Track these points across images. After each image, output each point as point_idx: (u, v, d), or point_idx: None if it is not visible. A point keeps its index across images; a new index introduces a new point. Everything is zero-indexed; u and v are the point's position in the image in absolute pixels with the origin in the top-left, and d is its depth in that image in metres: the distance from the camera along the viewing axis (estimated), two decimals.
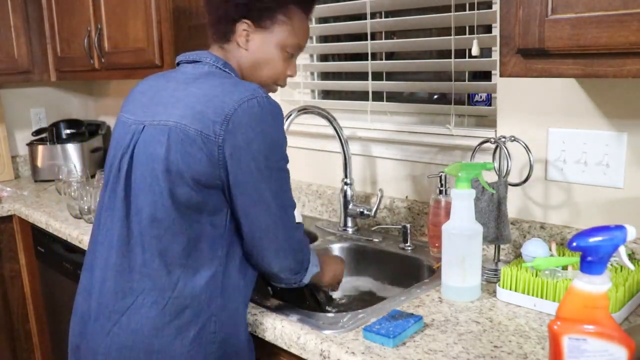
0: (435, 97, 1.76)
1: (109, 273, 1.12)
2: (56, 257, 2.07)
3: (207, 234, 1.09)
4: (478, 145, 1.35)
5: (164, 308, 1.07)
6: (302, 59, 2.02)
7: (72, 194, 2.04)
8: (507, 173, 1.31)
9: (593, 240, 0.79)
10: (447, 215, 1.27)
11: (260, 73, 1.22)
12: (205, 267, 1.09)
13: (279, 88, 1.29)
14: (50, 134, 2.67)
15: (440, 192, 1.48)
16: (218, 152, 1.04)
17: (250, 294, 1.20)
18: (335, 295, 1.54)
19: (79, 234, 1.84)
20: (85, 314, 1.16)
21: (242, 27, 1.17)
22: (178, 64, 1.22)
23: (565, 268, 1.17)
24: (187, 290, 1.08)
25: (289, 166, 1.17)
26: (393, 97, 1.81)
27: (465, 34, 1.56)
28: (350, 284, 1.61)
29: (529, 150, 1.29)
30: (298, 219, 1.21)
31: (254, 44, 1.19)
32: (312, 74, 2.05)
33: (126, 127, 1.16)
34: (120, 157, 1.14)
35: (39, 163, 2.67)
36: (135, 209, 1.10)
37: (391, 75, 1.80)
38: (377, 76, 1.79)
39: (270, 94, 1.14)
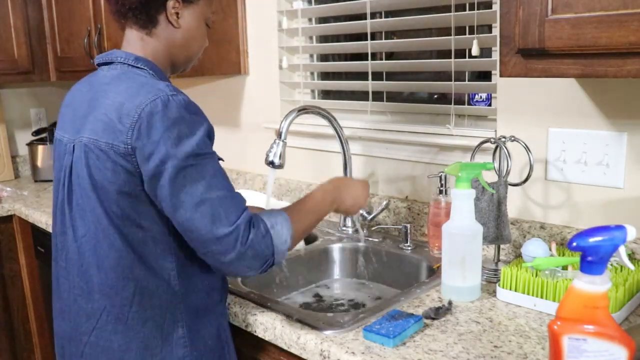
0: (435, 97, 1.76)
1: (74, 295, 1.13)
2: None
3: (151, 242, 1.07)
4: (478, 145, 1.35)
5: (126, 322, 1.07)
6: (302, 59, 2.02)
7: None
8: (507, 173, 1.31)
9: (593, 240, 0.79)
10: (447, 215, 1.27)
11: (192, 48, 1.19)
12: (158, 276, 1.08)
13: None
14: (50, 134, 2.67)
15: (440, 192, 1.48)
16: (132, 162, 1.01)
17: (219, 287, 1.18)
18: (336, 295, 1.54)
19: None
20: (63, 335, 1.18)
21: (172, 5, 1.12)
22: (98, 65, 1.19)
23: (565, 268, 1.17)
24: (145, 301, 1.07)
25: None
26: (393, 97, 1.81)
27: (465, 34, 1.56)
28: (350, 284, 1.61)
29: (529, 150, 1.29)
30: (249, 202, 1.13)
31: (184, 20, 1.14)
32: (312, 74, 2.05)
33: (62, 146, 1.15)
34: (63, 180, 1.13)
35: (39, 163, 2.68)
36: (82, 231, 1.09)
37: (391, 75, 1.80)
38: (377, 76, 1.79)
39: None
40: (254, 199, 1.77)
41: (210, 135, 1.07)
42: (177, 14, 1.13)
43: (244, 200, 1.06)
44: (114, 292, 1.07)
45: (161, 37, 1.14)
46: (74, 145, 1.10)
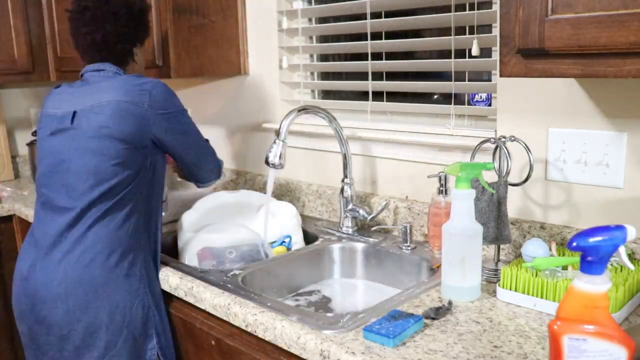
0: (435, 97, 1.76)
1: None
2: None
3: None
4: (478, 145, 1.35)
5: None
6: (302, 59, 2.02)
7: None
8: (507, 173, 1.31)
9: (593, 240, 0.79)
10: (447, 215, 1.27)
11: (141, 73, 1.62)
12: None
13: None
14: None
15: (440, 192, 1.48)
16: (148, 115, 1.43)
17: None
18: (336, 295, 1.54)
19: None
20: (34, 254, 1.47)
21: (135, 50, 1.60)
22: (82, 75, 1.57)
23: (565, 268, 1.17)
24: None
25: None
26: (393, 97, 1.81)
27: (465, 34, 1.56)
28: (350, 284, 1.61)
29: (529, 150, 1.29)
30: None
31: (139, 57, 1.63)
32: (312, 74, 2.05)
33: (55, 117, 1.49)
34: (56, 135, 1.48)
35: None
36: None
37: (391, 75, 1.80)
38: (377, 76, 1.79)
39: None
40: (253, 199, 1.77)
41: None
42: (136, 55, 1.61)
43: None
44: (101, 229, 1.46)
45: (129, 71, 1.59)
46: (74, 111, 1.46)
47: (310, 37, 2.03)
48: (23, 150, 2.85)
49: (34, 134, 2.77)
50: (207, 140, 1.62)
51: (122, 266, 1.39)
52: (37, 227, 1.48)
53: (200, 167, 1.61)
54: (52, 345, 1.41)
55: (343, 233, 1.71)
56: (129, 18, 1.54)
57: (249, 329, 1.20)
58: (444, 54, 1.66)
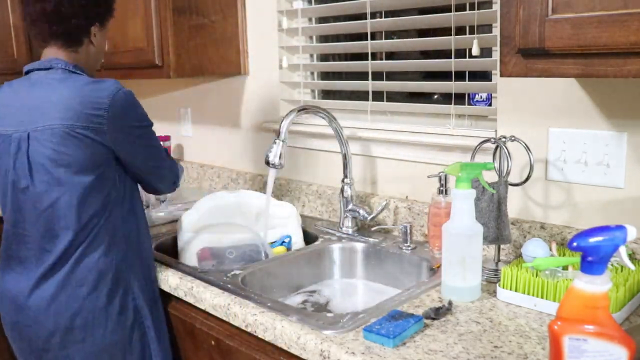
0: (435, 97, 1.76)
1: None
2: None
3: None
4: (478, 145, 1.35)
5: None
6: (302, 59, 2.02)
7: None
8: (507, 173, 1.31)
9: (593, 240, 0.79)
10: (447, 215, 1.27)
11: (99, 60, 1.52)
12: None
13: None
14: None
15: (440, 192, 1.48)
16: (104, 136, 1.28)
17: None
18: (336, 295, 1.54)
19: None
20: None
21: (93, 30, 1.43)
22: (27, 72, 1.40)
23: (565, 268, 1.17)
24: None
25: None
26: (393, 97, 1.81)
27: (465, 34, 1.56)
28: (350, 284, 1.61)
29: (529, 150, 1.28)
30: None
31: (98, 40, 1.45)
32: (312, 73, 2.05)
33: (6, 138, 1.33)
34: (13, 165, 1.32)
35: None
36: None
37: (391, 75, 1.80)
38: (377, 76, 1.79)
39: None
40: (253, 199, 1.77)
41: None
42: (94, 35, 1.44)
43: None
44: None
45: (83, 53, 1.43)
46: (28, 133, 1.29)
47: (310, 37, 2.03)
48: None
49: None
50: (167, 152, 1.52)
51: (114, 302, 1.34)
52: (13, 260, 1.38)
53: (157, 184, 1.48)
54: None
55: (343, 233, 1.71)
56: None
57: (248, 329, 1.20)
58: (444, 53, 1.66)
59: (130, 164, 1.37)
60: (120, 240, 1.36)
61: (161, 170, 1.47)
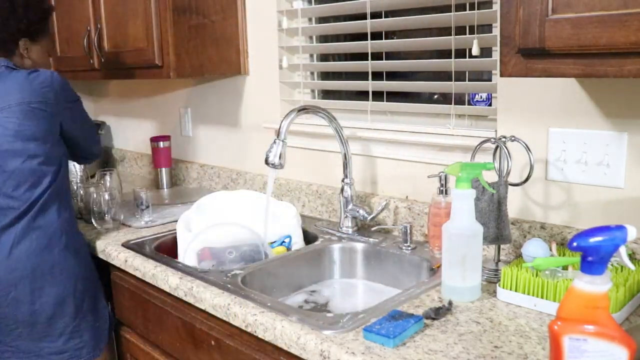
0: (435, 97, 1.76)
1: None
2: None
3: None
4: (478, 145, 1.35)
5: None
6: (302, 59, 2.02)
7: (72, 193, 2.03)
8: (508, 173, 1.31)
9: (593, 240, 0.79)
10: (447, 215, 1.27)
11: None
12: None
13: None
14: None
15: (440, 192, 1.48)
16: (54, 108, 1.59)
17: None
18: (336, 295, 1.54)
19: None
20: None
21: (22, 45, 1.65)
22: None
23: (565, 268, 1.17)
24: None
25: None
26: (393, 97, 1.81)
27: (465, 34, 1.56)
28: (350, 284, 1.61)
29: (529, 150, 1.28)
30: None
31: (33, 55, 1.69)
32: (312, 73, 2.05)
33: None
34: None
35: None
36: None
37: (391, 75, 1.80)
38: (377, 76, 1.79)
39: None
40: (253, 199, 1.77)
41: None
42: (26, 50, 1.67)
43: None
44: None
45: (18, 63, 1.66)
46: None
47: (310, 37, 2.03)
48: None
49: None
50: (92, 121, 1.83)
51: (71, 247, 1.63)
52: None
53: (92, 148, 1.81)
54: (21, 322, 1.57)
55: (343, 233, 1.71)
56: (20, 5, 1.61)
57: (248, 329, 1.20)
58: (444, 53, 1.66)
59: (72, 130, 1.66)
60: (67, 204, 1.66)
61: (94, 135, 1.83)
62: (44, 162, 1.57)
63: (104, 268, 1.75)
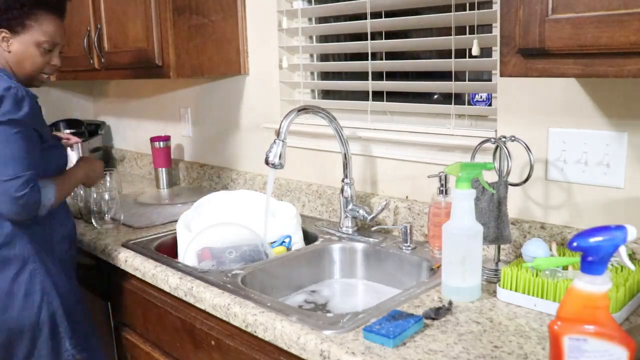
0: (435, 97, 1.76)
1: None
2: None
3: None
4: (478, 145, 1.35)
5: None
6: (302, 59, 2.02)
7: (71, 193, 2.03)
8: (508, 173, 1.31)
9: (594, 240, 0.79)
10: (448, 215, 1.27)
11: (25, 68, 1.55)
12: None
13: (51, 77, 1.68)
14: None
15: (441, 192, 1.48)
16: None
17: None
18: (336, 295, 1.54)
19: (78, 233, 1.83)
20: None
21: (1, 36, 1.50)
22: None
23: (565, 268, 1.17)
24: None
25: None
26: (393, 97, 1.81)
27: (465, 34, 1.56)
28: (350, 284, 1.61)
29: (529, 150, 1.28)
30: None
31: (14, 47, 1.52)
32: (312, 73, 2.05)
33: None
34: None
35: None
36: None
37: (391, 75, 1.80)
38: (377, 76, 1.79)
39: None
40: (253, 199, 1.77)
41: (29, 120, 1.45)
42: (7, 42, 1.51)
43: (32, 170, 1.43)
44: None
45: (1, 57, 1.53)
46: None
47: (310, 37, 2.03)
48: None
49: None
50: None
51: (19, 283, 1.50)
52: None
53: None
54: None
55: (343, 233, 1.71)
56: None
57: (248, 329, 1.20)
58: (444, 53, 1.66)
59: None
60: (26, 227, 1.50)
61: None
62: None
63: (104, 268, 1.75)
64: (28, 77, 1.57)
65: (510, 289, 1.19)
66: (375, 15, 1.76)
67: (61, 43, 1.60)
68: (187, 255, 1.59)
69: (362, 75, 1.82)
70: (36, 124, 1.50)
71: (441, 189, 1.47)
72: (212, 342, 1.35)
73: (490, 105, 1.57)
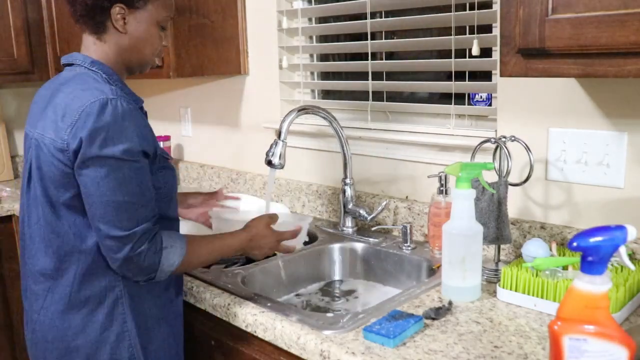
0: (436, 97, 1.76)
1: (26, 277, 1.25)
2: None
3: (91, 230, 1.14)
4: (478, 145, 1.35)
5: (69, 302, 1.17)
6: (302, 59, 2.02)
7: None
8: (508, 173, 1.31)
9: (593, 240, 0.79)
10: (447, 215, 1.27)
11: (143, 51, 1.23)
12: (97, 261, 1.16)
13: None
14: None
15: (440, 192, 1.48)
16: (68, 157, 1.09)
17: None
18: (336, 295, 1.54)
19: None
20: (25, 313, 1.28)
21: (117, 11, 1.16)
22: (64, 66, 1.27)
23: (565, 268, 1.17)
24: (85, 283, 1.16)
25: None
26: (393, 97, 1.81)
27: (465, 34, 1.56)
28: (350, 284, 1.61)
29: (529, 150, 1.28)
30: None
31: (132, 26, 1.19)
32: (312, 73, 2.05)
33: (27, 140, 1.22)
34: (26, 171, 1.21)
35: None
36: (34, 219, 1.19)
37: (391, 75, 1.80)
38: (377, 76, 1.79)
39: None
40: (249, 202, 1.75)
41: (138, 147, 1.10)
42: (123, 20, 1.17)
43: (152, 214, 1.12)
44: (58, 274, 1.17)
45: (110, 42, 1.20)
46: (32, 139, 1.17)
47: (310, 37, 2.02)
48: (22, 150, 2.84)
49: None
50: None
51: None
52: None
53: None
54: None
55: (343, 233, 1.71)
56: None
57: (249, 329, 1.20)
58: (444, 53, 1.66)
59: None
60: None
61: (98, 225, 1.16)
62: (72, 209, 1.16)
63: None
64: (141, 65, 1.26)
65: (510, 289, 1.19)
66: (375, 15, 1.76)
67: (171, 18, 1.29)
68: None
69: (362, 75, 1.82)
70: (144, 144, 1.11)
71: (441, 189, 1.47)
72: (212, 342, 1.35)
73: (490, 105, 1.57)
